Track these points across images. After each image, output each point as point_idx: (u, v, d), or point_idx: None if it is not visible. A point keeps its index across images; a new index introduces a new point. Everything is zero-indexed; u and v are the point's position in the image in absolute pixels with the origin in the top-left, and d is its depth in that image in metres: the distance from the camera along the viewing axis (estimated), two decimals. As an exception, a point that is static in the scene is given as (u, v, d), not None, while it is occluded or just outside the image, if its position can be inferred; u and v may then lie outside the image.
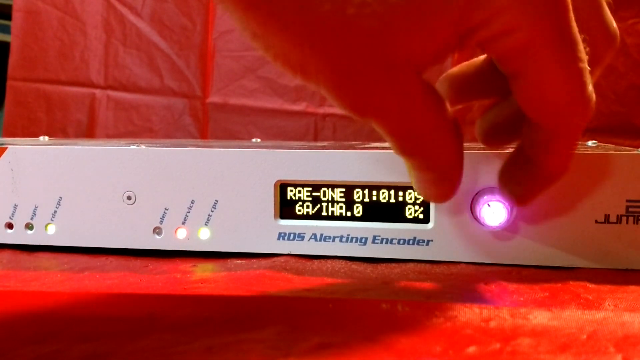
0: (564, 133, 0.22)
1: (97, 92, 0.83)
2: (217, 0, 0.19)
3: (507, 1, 0.19)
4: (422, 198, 0.32)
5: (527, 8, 0.19)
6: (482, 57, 0.26)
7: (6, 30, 0.89)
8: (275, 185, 0.34)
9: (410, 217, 0.33)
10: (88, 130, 0.83)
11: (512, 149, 0.26)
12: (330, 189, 0.33)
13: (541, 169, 0.24)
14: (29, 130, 0.83)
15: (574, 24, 0.20)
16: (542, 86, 0.21)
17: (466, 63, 0.26)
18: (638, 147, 0.34)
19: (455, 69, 0.27)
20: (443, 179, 0.23)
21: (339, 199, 0.33)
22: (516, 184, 0.25)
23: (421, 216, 0.33)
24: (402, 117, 0.21)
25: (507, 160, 0.26)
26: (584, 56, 0.21)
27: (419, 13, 0.18)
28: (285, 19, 0.18)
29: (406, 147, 0.22)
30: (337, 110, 0.77)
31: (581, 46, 0.20)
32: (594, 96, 0.21)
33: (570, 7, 0.20)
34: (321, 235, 0.34)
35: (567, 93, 0.21)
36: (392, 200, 0.33)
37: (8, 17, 0.86)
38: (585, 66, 0.21)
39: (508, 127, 0.26)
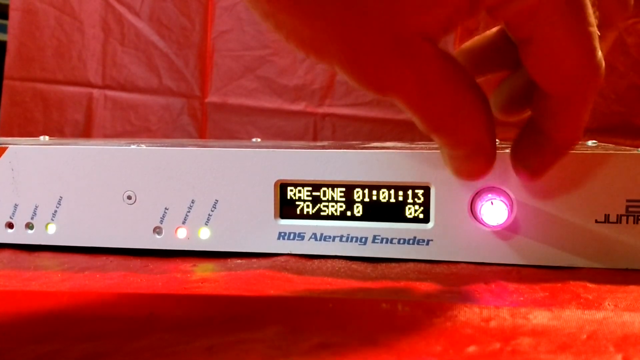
0: (574, 100, 0.22)
1: (95, 91, 0.83)
2: None
3: None
4: (422, 197, 0.32)
5: None
6: (494, 29, 0.25)
7: (3, 29, 0.88)
8: (275, 185, 0.34)
9: (410, 217, 0.33)
10: (85, 130, 0.83)
11: (516, 137, 0.25)
12: (330, 189, 0.33)
13: (552, 139, 0.23)
14: (26, 130, 0.83)
15: None
16: (552, 51, 0.20)
17: (478, 37, 0.26)
18: (638, 147, 0.34)
19: (468, 43, 0.26)
20: (474, 155, 0.22)
21: (339, 199, 0.33)
22: (528, 158, 0.25)
23: (421, 216, 0.33)
24: (420, 90, 0.20)
25: (519, 134, 0.25)
26: (592, 20, 0.20)
27: None
28: None
29: (431, 123, 0.21)
30: (337, 110, 0.77)
31: (590, 10, 0.20)
32: (603, 63, 0.21)
33: None
34: (321, 235, 0.34)
35: (576, 57, 0.20)
36: (392, 200, 0.33)
37: (5, 16, 0.86)
38: (595, 30, 0.20)
39: (521, 98, 0.25)
